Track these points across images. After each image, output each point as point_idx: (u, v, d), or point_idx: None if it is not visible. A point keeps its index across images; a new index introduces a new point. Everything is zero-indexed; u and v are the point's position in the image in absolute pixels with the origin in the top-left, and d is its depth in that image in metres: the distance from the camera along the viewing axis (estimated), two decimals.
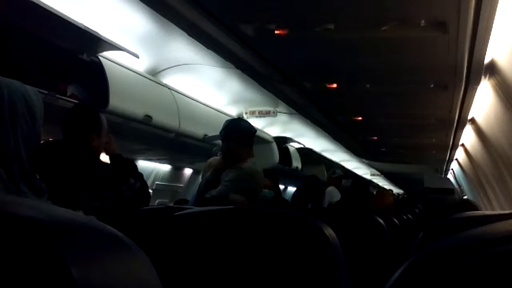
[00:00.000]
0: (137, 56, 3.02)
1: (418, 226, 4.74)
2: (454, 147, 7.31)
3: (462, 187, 10.52)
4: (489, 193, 6.41)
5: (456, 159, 8.74)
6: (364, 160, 9.91)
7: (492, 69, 3.24)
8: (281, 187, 6.75)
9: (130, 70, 3.22)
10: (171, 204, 3.90)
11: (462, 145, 6.86)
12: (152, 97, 3.47)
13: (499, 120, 4.02)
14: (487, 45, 2.82)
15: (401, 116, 5.42)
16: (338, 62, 3.57)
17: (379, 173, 12.56)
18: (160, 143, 3.87)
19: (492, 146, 4.89)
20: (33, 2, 2.16)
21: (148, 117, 3.27)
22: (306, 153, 7.00)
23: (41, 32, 2.53)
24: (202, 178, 2.56)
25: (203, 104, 4.27)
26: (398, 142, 7.44)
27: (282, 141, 6.04)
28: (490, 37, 2.69)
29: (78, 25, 2.45)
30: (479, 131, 5.14)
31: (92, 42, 2.69)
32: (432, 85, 3.93)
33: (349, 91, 4.37)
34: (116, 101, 2.91)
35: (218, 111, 4.55)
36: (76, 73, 2.86)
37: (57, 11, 2.31)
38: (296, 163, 6.61)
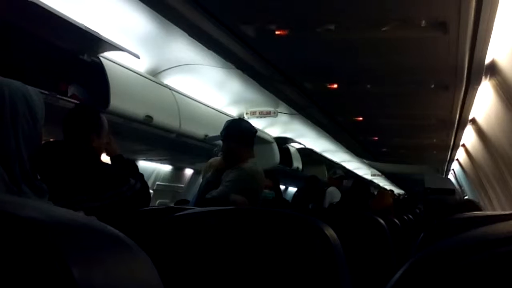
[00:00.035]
0: (137, 57, 3.02)
1: (418, 226, 4.74)
2: (455, 147, 7.30)
3: (463, 188, 10.51)
4: (490, 193, 6.41)
5: (457, 160, 8.73)
6: (364, 160, 9.90)
7: (492, 70, 3.24)
8: (282, 187, 6.75)
9: (131, 70, 3.22)
10: (172, 205, 3.90)
11: (463, 145, 6.85)
12: (153, 98, 3.47)
13: (500, 120, 4.02)
14: (487, 46, 2.82)
15: (401, 116, 5.42)
16: (338, 63, 3.57)
17: (379, 173, 12.55)
18: (161, 143, 3.87)
19: (493, 146, 4.88)
20: (34, 3, 2.16)
21: (149, 117, 3.28)
22: (307, 154, 7.00)
23: (42, 33, 2.53)
24: (202, 178, 2.56)
25: (204, 104, 4.27)
26: (399, 142, 7.43)
27: (282, 142, 6.04)
28: (491, 38, 2.69)
29: (79, 25, 2.46)
30: (480, 131, 5.14)
31: (93, 43, 2.69)
32: (432, 86, 3.93)
33: (349, 92, 4.36)
34: (117, 102, 2.92)
35: (218, 111, 4.55)
36: (77, 73, 2.86)
37: (58, 11, 2.31)
38: (297, 163, 6.61)
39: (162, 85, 3.64)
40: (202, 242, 1.09)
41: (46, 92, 2.39)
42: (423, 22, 2.67)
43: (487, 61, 3.10)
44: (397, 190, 15.65)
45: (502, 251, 0.38)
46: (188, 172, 5.39)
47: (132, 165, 2.08)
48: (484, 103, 4.12)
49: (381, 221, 1.77)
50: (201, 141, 3.97)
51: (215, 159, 2.55)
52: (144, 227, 1.10)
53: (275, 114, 5.18)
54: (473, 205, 2.46)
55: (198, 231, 1.11)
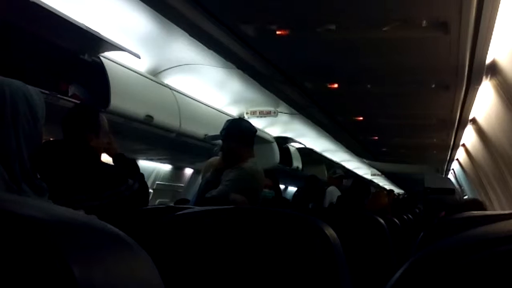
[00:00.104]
0: (138, 57, 3.02)
1: (418, 226, 4.74)
2: (455, 147, 7.31)
3: (462, 187, 10.51)
4: (490, 193, 6.41)
5: (457, 159, 8.73)
6: (365, 160, 9.90)
7: (493, 70, 3.24)
8: (282, 187, 6.75)
9: (131, 70, 3.22)
10: (172, 204, 3.90)
11: (463, 145, 6.85)
12: (153, 97, 3.47)
13: (500, 120, 4.02)
14: (488, 46, 2.82)
15: (402, 116, 5.42)
16: (339, 63, 3.57)
17: (380, 173, 12.56)
18: (161, 143, 3.87)
19: (493, 146, 4.88)
20: (35, 3, 2.16)
21: (149, 117, 3.28)
22: (307, 153, 7.00)
23: (42, 33, 2.53)
24: (202, 178, 2.56)
25: (204, 104, 4.27)
26: (399, 142, 7.43)
27: (282, 141, 6.04)
28: (492, 38, 2.69)
29: (79, 25, 2.46)
30: (480, 131, 5.14)
31: (94, 43, 2.69)
32: (433, 85, 3.93)
33: (350, 91, 4.36)
34: (117, 101, 2.92)
35: (219, 111, 4.55)
36: (77, 73, 2.86)
37: (58, 11, 2.31)
38: (297, 163, 6.61)
39: (162, 84, 3.64)
40: (202, 242, 1.09)
41: (46, 91, 2.39)
42: (424, 22, 2.67)
43: (488, 61, 3.10)
44: (397, 190, 15.65)
45: (502, 250, 0.38)
46: (188, 171, 5.39)
47: (133, 164, 2.08)
48: (485, 103, 4.12)
49: (381, 220, 1.77)
50: (201, 141, 3.98)
51: (215, 159, 2.55)
52: (144, 226, 1.10)
53: (275, 114, 5.18)
54: (478, 204, 2.46)
55: (198, 230, 1.11)
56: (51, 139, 2.04)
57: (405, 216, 3.99)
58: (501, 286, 0.37)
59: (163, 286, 0.41)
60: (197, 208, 1.32)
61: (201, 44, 3.11)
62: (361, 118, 5.65)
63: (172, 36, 3.12)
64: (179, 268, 1.04)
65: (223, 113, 4.59)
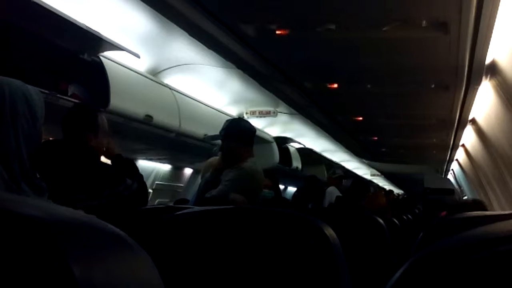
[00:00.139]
0: (138, 56, 3.02)
1: (418, 226, 4.74)
2: (455, 147, 7.31)
3: (462, 188, 10.52)
4: (489, 193, 6.41)
5: (457, 160, 8.74)
6: (364, 160, 9.91)
7: (493, 70, 3.24)
8: (281, 187, 6.75)
9: (131, 70, 3.22)
10: (171, 204, 3.90)
11: (463, 145, 6.86)
12: (153, 97, 3.47)
13: (500, 121, 4.02)
14: (488, 46, 2.82)
15: (401, 116, 5.42)
16: (339, 62, 3.58)
17: (379, 173, 12.56)
18: (161, 143, 3.87)
19: (492, 146, 4.88)
20: (35, 2, 2.16)
21: (149, 117, 3.28)
22: (306, 153, 7.00)
23: (42, 32, 2.53)
24: (202, 178, 2.56)
25: (204, 104, 4.27)
26: (399, 142, 7.44)
27: (282, 141, 6.04)
28: (491, 38, 2.69)
29: (79, 25, 2.46)
30: (479, 132, 5.14)
31: (93, 42, 2.69)
32: (433, 86, 3.93)
33: (349, 91, 4.37)
34: (117, 101, 2.92)
35: (218, 111, 4.55)
36: (77, 72, 2.86)
37: (58, 11, 2.31)
38: (296, 163, 6.61)
39: (162, 84, 3.64)
40: (201, 242, 1.09)
41: (46, 91, 2.39)
42: (424, 22, 2.67)
43: (488, 61, 3.10)
44: (396, 190, 15.65)
45: (502, 250, 0.38)
46: (188, 171, 5.39)
47: (131, 165, 2.08)
48: (484, 103, 4.12)
49: (381, 221, 1.77)
50: (200, 141, 3.98)
51: (215, 159, 2.55)
52: (143, 226, 1.10)
53: (275, 114, 5.18)
54: (479, 204, 2.45)
55: (197, 230, 1.11)
56: (51, 138, 2.04)
57: (404, 217, 3.99)
58: (501, 286, 0.37)
59: (163, 286, 0.41)
60: (196, 208, 1.32)
61: (200, 43, 3.11)
62: (360, 118, 5.65)
63: (171, 35, 3.12)
64: (179, 268, 1.04)
65: (223, 113, 4.59)
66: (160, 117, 3.42)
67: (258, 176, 2.39)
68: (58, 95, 2.55)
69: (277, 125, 5.85)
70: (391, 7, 2.55)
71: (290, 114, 5.34)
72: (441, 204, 6.39)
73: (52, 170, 1.76)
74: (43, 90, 2.24)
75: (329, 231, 1.06)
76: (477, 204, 2.42)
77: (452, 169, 10.73)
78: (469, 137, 5.97)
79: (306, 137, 6.67)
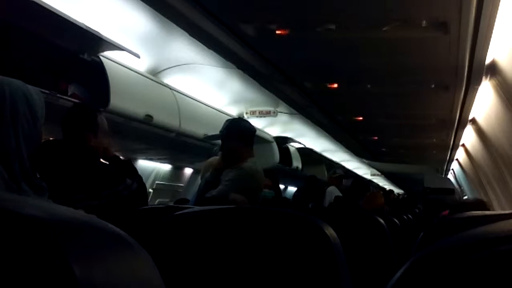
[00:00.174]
0: (138, 56, 3.02)
1: (418, 225, 4.74)
2: (455, 147, 7.31)
3: (462, 187, 10.52)
4: (489, 193, 6.41)
5: (457, 159, 8.74)
6: (364, 160, 9.91)
7: (493, 70, 3.24)
8: (281, 187, 6.75)
9: (131, 70, 3.22)
10: (172, 204, 3.90)
11: (463, 145, 6.86)
12: (153, 97, 3.47)
13: (500, 121, 4.02)
14: (488, 46, 2.82)
15: (401, 116, 5.42)
16: (339, 62, 3.57)
17: (379, 173, 12.56)
18: (161, 142, 3.87)
19: (492, 146, 4.88)
20: (35, 2, 2.16)
21: (149, 116, 3.28)
22: (307, 153, 7.00)
23: (42, 32, 2.53)
24: (201, 178, 2.56)
25: (204, 104, 4.27)
26: (399, 142, 7.44)
27: (282, 141, 6.04)
28: (491, 38, 2.69)
29: (79, 25, 2.46)
30: (479, 131, 5.14)
31: (93, 42, 2.69)
32: (433, 86, 3.93)
33: (350, 91, 4.37)
34: (117, 101, 2.92)
35: (218, 111, 4.55)
36: (77, 72, 2.86)
37: (58, 11, 2.31)
38: (297, 163, 6.61)
39: (162, 84, 3.64)
40: (201, 241, 1.09)
41: (46, 91, 2.39)
42: (424, 22, 2.67)
43: (488, 61, 3.10)
44: (396, 190, 15.66)
45: (502, 250, 0.38)
46: (188, 171, 5.39)
47: (130, 166, 2.08)
48: (484, 103, 4.12)
49: (381, 220, 1.77)
50: (200, 141, 3.98)
51: (215, 158, 2.55)
52: (144, 226, 1.10)
53: (275, 114, 5.18)
54: (482, 204, 2.44)
55: (198, 230, 1.11)
56: (51, 138, 2.04)
57: (405, 216, 3.99)
58: (502, 285, 0.37)
59: (163, 285, 0.41)
60: (197, 208, 1.32)
61: (200, 43, 3.11)
62: (360, 118, 5.65)
63: (171, 35, 3.12)
64: (179, 268, 1.04)
65: (223, 113, 4.59)
66: (160, 117, 3.42)
67: (258, 176, 2.39)
68: (58, 95, 2.55)
69: (277, 125, 5.85)
70: (391, 7, 2.55)
71: (290, 114, 5.34)
72: (441, 204, 6.39)
73: (52, 170, 1.76)
74: (43, 90, 2.24)
75: (330, 231, 1.06)
76: (479, 204, 2.42)
77: (452, 169, 10.73)
78: (469, 137, 5.97)
79: (306, 137, 6.68)
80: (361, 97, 4.57)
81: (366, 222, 1.77)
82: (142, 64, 3.41)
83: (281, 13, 2.73)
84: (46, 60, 2.66)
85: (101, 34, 2.64)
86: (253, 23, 2.84)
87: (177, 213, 1.15)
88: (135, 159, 4.29)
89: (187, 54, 3.47)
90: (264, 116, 5.20)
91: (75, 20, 2.43)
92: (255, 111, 5.14)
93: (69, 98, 2.64)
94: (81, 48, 2.76)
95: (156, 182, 4.84)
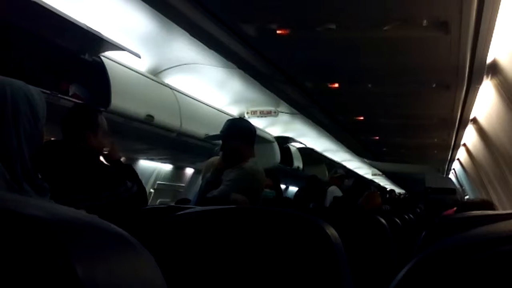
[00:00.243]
0: (139, 56, 3.02)
1: (419, 225, 4.73)
2: (456, 146, 7.30)
3: (463, 187, 10.51)
4: (491, 192, 6.40)
5: (458, 159, 8.73)
6: (365, 160, 9.91)
7: (494, 69, 3.24)
8: (282, 187, 6.75)
9: (132, 70, 3.22)
10: (173, 204, 3.90)
11: (464, 144, 6.85)
12: (154, 97, 3.47)
13: (501, 120, 4.01)
14: (489, 45, 2.82)
15: (402, 116, 5.42)
16: (340, 62, 3.57)
17: (380, 173, 12.55)
18: (162, 142, 3.87)
19: (494, 145, 4.88)
20: (36, 2, 2.16)
21: (150, 116, 3.28)
22: (308, 153, 7.00)
23: (43, 32, 2.53)
24: (202, 178, 2.55)
25: (205, 104, 4.28)
26: (400, 142, 7.44)
27: (283, 141, 6.04)
28: (492, 37, 2.69)
29: (80, 25, 2.46)
30: (481, 131, 5.14)
31: (94, 42, 2.69)
32: (434, 85, 3.93)
33: (350, 91, 4.36)
34: (118, 101, 2.92)
35: (219, 111, 4.55)
36: (78, 73, 2.86)
37: (59, 11, 2.31)
38: (298, 163, 6.61)
39: (163, 84, 3.65)
40: (203, 242, 1.09)
41: (47, 91, 2.39)
42: (425, 21, 2.66)
43: (489, 60, 3.10)
44: (398, 190, 15.65)
45: (505, 250, 0.38)
46: (189, 171, 5.39)
47: (131, 170, 2.09)
48: (485, 102, 4.12)
49: (382, 220, 1.77)
50: (201, 141, 3.98)
51: (215, 159, 2.55)
52: (145, 226, 1.10)
53: (275, 114, 5.18)
54: (489, 205, 2.43)
55: (199, 230, 1.11)
56: (52, 139, 2.04)
57: (406, 216, 3.98)
58: (504, 285, 0.37)
59: (165, 285, 0.41)
60: (198, 208, 1.32)
61: (201, 43, 3.11)
62: (361, 118, 5.65)
63: (172, 35, 3.12)
64: (181, 268, 1.04)
65: (224, 112, 4.59)
66: (161, 117, 3.42)
67: (259, 176, 2.39)
68: (60, 95, 2.55)
69: (278, 125, 5.85)
70: (391, 6, 2.55)
71: (291, 114, 5.34)
72: (443, 204, 6.38)
73: (53, 171, 1.76)
74: (44, 91, 2.24)
75: (331, 231, 1.06)
76: (486, 204, 2.41)
77: (454, 169, 10.72)
78: (470, 137, 5.96)
79: (307, 137, 6.67)
80: (362, 97, 4.56)
81: (367, 222, 1.77)
82: (143, 64, 3.41)
83: (282, 13, 2.74)
84: (47, 61, 2.66)
85: (102, 34, 2.65)
86: (254, 23, 2.84)
87: (179, 213, 1.15)
88: (136, 159, 4.30)
89: (188, 54, 3.47)
90: (265, 116, 5.20)
91: (76, 21, 2.44)
92: (256, 111, 5.14)
93: (70, 98, 2.64)
94: (82, 48, 2.76)
95: (157, 182, 4.85)
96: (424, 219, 6.35)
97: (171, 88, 3.71)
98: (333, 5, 2.59)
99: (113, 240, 0.39)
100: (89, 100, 2.82)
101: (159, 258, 0.45)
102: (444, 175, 11.82)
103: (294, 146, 6.65)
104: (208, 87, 4.25)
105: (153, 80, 3.51)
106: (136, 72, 3.29)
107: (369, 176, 12.30)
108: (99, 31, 2.62)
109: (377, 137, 7.18)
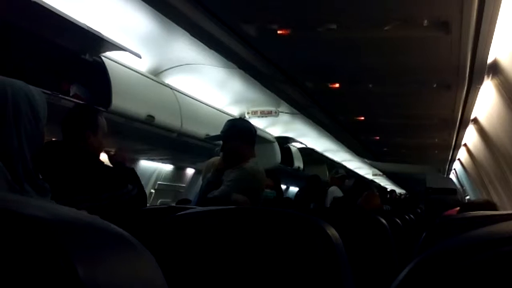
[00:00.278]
0: (139, 56, 3.02)
1: (420, 226, 4.73)
2: (457, 147, 7.30)
3: (464, 187, 10.50)
4: (491, 193, 6.40)
5: (459, 159, 8.73)
6: (366, 160, 9.90)
7: (495, 69, 3.24)
8: (283, 187, 6.75)
9: (132, 70, 3.23)
10: (174, 204, 3.90)
11: (465, 145, 6.85)
12: (155, 97, 3.47)
13: (502, 120, 4.01)
14: (490, 45, 2.82)
15: (403, 116, 5.41)
16: (340, 62, 3.57)
17: (381, 173, 12.55)
18: (162, 143, 3.87)
19: (494, 146, 4.88)
20: (36, 3, 2.16)
21: (151, 117, 3.28)
22: (308, 153, 7.00)
23: (44, 33, 2.53)
24: (203, 178, 2.55)
25: (205, 104, 4.28)
26: (401, 142, 7.43)
27: (284, 141, 6.04)
28: (493, 37, 2.69)
29: (81, 25, 2.46)
30: (481, 131, 5.13)
31: (95, 42, 2.70)
32: (435, 85, 3.93)
33: (351, 91, 4.36)
34: (118, 101, 2.92)
35: (220, 111, 4.55)
36: (78, 73, 2.86)
37: (59, 11, 2.32)
38: (298, 163, 6.61)
39: (163, 84, 3.65)
40: (204, 242, 1.09)
41: (48, 91, 2.39)
42: (425, 21, 2.66)
43: (489, 60, 3.09)
44: (398, 190, 15.64)
45: (506, 251, 0.37)
46: (190, 171, 5.39)
47: (132, 173, 2.09)
48: (486, 102, 4.11)
49: (383, 221, 1.77)
50: (202, 141, 3.98)
51: (216, 159, 2.55)
52: (146, 226, 1.10)
53: (276, 114, 5.18)
54: (492, 205, 2.43)
55: (200, 230, 1.11)
56: (53, 139, 2.04)
57: (406, 216, 3.98)
58: (507, 286, 0.37)
59: (166, 286, 0.41)
60: (199, 208, 1.32)
61: (202, 43, 3.11)
62: (362, 118, 5.65)
63: (173, 35, 3.12)
64: (182, 268, 1.04)
65: (224, 113, 4.59)
66: (162, 117, 3.43)
67: (260, 176, 2.39)
68: (60, 95, 2.56)
69: (278, 125, 5.85)
70: (392, 6, 2.55)
71: (292, 114, 5.34)
72: (444, 204, 6.38)
73: (53, 171, 1.76)
74: (45, 91, 2.24)
75: (332, 231, 1.06)
76: (489, 205, 2.40)
77: (454, 169, 10.71)
78: (471, 137, 5.96)
79: (307, 137, 6.67)
80: (362, 97, 4.56)
81: (368, 222, 1.77)
82: (143, 65, 3.41)
83: (282, 13, 2.73)
84: (47, 61, 2.66)
85: (103, 35, 2.65)
86: (254, 23, 2.84)
87: (180, 213, 1.15)
88: (137, 160, 4.30)
89: (189, 54, 3.48)
90: (266, 116, 5.20)
91: (77, 21, 2.44)
92: (257, 111, 5.14)
93: (71, 99, 2.65)
94: (83, 48, 2.76)
95: (158, 182, 4.85)
96: (425, 220, 6.34)
97: (171, 88, 3.71)
98: (333, 5, 2.59)
99: (114, 241, 0.39)
100: (89, 100, 2.82)
101: (160, 258, 0.45)
102: (445, 175, 11.82)
103: (294, 146, 6.65)
104: (209, 87, 4.25)
105: (153, 80, 3.51)
106: (137, 72, 3.29)
107: (369, 176, 12.29)
108: (99, 31, 2.62)
109: (378, 137, 7.18)
